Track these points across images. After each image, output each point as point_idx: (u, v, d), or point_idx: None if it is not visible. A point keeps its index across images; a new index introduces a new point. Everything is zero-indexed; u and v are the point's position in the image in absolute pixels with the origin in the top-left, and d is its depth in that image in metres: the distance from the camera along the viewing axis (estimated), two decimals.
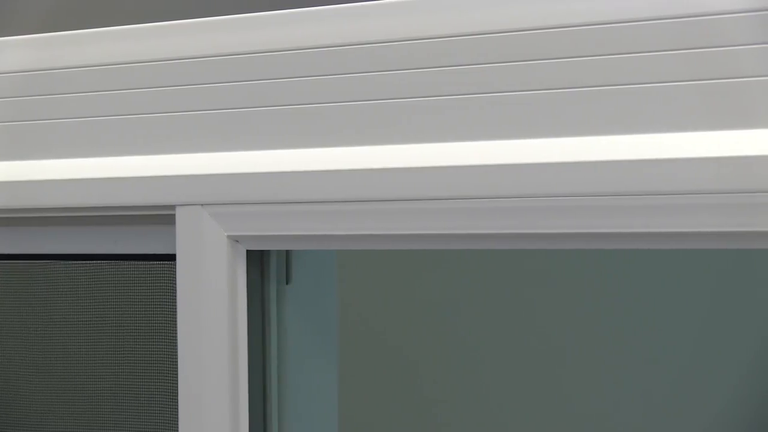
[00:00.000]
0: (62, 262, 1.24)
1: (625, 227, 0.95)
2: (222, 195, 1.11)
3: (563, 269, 2.19)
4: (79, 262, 1.24)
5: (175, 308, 1.15)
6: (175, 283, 1.15)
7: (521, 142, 0.99)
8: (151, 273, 1.20)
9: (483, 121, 1.01)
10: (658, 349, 2.18)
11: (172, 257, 1.16)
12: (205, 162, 1.12)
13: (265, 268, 1.18)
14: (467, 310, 2.24)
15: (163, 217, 1.15)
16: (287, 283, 1.20)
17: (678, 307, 2.18)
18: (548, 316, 2.20)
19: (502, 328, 2.23)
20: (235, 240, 1.12)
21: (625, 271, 2.18)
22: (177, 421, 1.16)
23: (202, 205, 1.12)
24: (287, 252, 1.20)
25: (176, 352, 1.15)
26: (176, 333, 1.15)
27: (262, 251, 1.17)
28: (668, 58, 0.93)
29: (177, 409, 1.16)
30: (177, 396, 1.15)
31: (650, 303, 2.18)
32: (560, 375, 2.20)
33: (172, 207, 1.14)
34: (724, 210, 0.91)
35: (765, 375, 2.20)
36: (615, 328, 2.19)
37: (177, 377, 1.15)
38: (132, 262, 1.21)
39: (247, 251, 1.13)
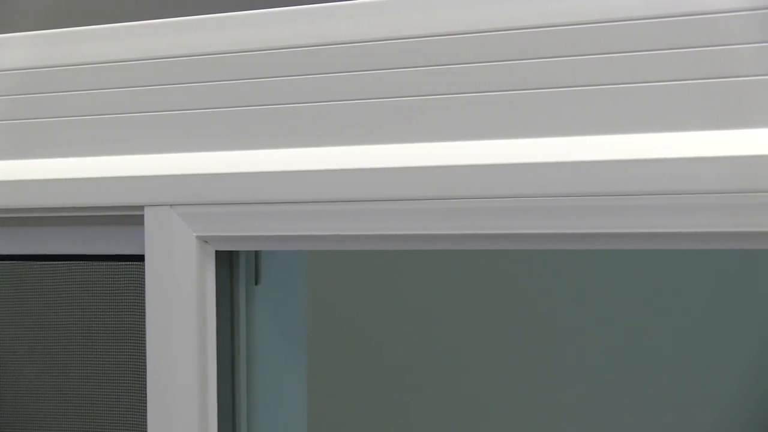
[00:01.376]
0: (31, 262, 1.24)
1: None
2: (191, 195, 1.11)
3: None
4: (48, 262, 1.23)
5: (144, 309, 1.15)
6: (144, 284, 1.14)
7: (504, 142, 0.99)
8: (119, 273, 1.20)
9: (456, 122, 1.01)
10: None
11: (140, 258, 1.16)
12: (174, 162, 1.12)
13: (234, 269, 1.18)
14: (439, 310, 2.25)
15: (131, 218, 1.15)
16: (256, 284, 1.20)
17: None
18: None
19: (477, 328, 2.23)
20: (204, 240, 1.12)
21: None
22: (146, 421, 1.16)
23: (170, 205, 1.12)
24: (256, 252, 1.20)
25: (145, 352, 1.15)
26: (145, 333, 1.15)
27: (231, 252, 1.17)
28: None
29: (146, 409, 1.15)
30: (146, 396, 1.15)
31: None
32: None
33: (141, 207, 1.14)
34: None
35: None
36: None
37: (146, 377, 1.15)
38: (101, 263, 1.20)
39: (216, 252, 1.13)
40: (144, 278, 1.15)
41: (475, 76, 1.00)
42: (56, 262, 1.23)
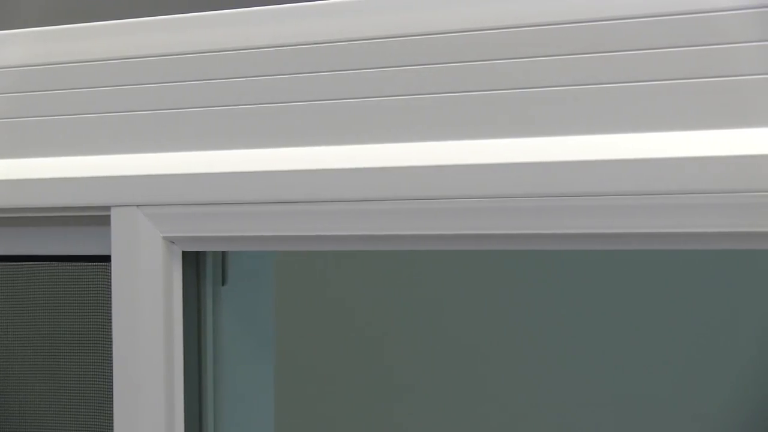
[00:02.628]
0: None
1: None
2: (157, 196, 1.11)
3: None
4: (14, 263, 1.23)
5: (111, 310, 1.15)
6: (111, 285, 1.14)
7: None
8: (86, 274, 1.19)
9: (429, 122, 1.02)
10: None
11: (107, 258, 1.16)
12: (140, 163, 1.12)
13: (200, 270, 1.18)
14: (408, 309, 2.25)
15: (98, 218, 1.15)
16: (223, 285, 1.20)
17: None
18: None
19: (447, 326, 2.23)
20: (170, 241, 1.12)
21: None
22: (112, 422, 1.16)
23: (137, 205, 1.12)
24: (223, 253, 1.20)
25: (111, 353, 1.15)
26: (111, 334, 1.14)
27: (197, 252, 1.17)
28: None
29: (112, 411, 1.15)
30: (112, 397, 1.15)
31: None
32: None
33: (108, 208, 1.13)
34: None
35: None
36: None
37: (112, 378, 1.14)
38: (67, 264, 1.20)
39: (183, 252, 1.13)
40: (110, 279, 1.14)
41: (448, 76, 1.00)
42: (22, 263, 1.22)
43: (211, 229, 1.09)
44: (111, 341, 1.15)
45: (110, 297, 1.14)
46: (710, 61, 0.91)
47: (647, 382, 2.18)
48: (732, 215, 0.91)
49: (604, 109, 0.95)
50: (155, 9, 1.15)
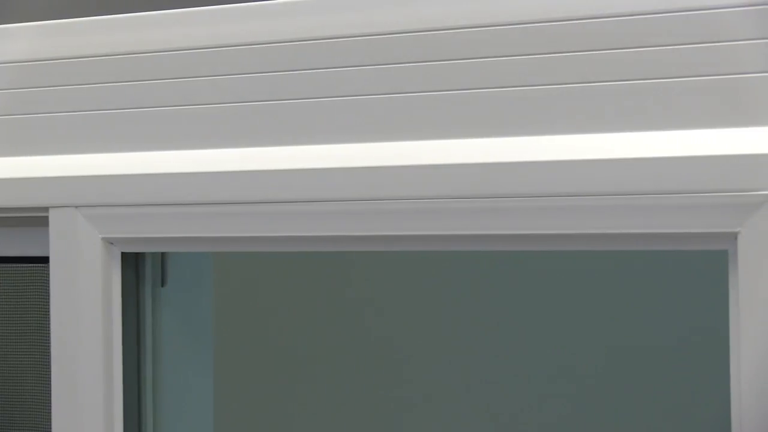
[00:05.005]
0: None
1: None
2: (96, 197, 1.10)
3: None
4: None
5: (49, 311, 1.14)
6: (49, 286, 1.14)
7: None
8: (24, 275, 1.19)
9: (368, 123, 1.02)
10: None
11: (45, 260, 1.15)
12: (79, 163, 1.11)
13: (140, 271, 1.18)
14: (347, 309, 2.25)
15: (36, 219, 1.14)
16: (162, 286, 1.20)
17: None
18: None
19: (384, 328, 2.24)
20: (109, 242, 1.12)
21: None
22: (51, 424, 1.15)
23: (76, 206, 1.11)
24: (162, 254, 1.20)
25: (50, 354, 1.14)
26: (50, 335, 1.14)
27: (137, 253, 1.16)
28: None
29: (50, 411, 1.15)
30: (50, 398, 1.14)
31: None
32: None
33: (46, 209, 1.13)
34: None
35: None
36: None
37: (50, 379, 1.14)
38: (5, 265, 1.19)
39: (122, 253, 1.13)
40: (48, 280, 1.14)
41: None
42: None
43: (150, 231, 1.09)
44: (50, 342, 1.14)
45: (49, 298, 1.14)
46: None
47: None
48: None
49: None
50: (92, 10, 1.15)
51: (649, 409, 2.17)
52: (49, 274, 1.14)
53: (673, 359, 2.14)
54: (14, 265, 1.19)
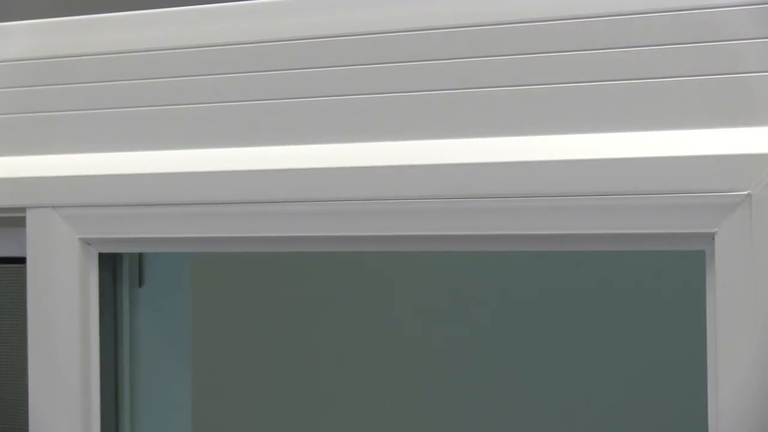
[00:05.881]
0: None
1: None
2: (73, 197, 1.10)
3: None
4: None
5: (26, 312, 1.14)
6: (26, 287, 1.13)
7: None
8: (0, 276, 1.18)
9: (340, 123, 1.02)
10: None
11: (22, 260, 1.15)
12: (56, 163, 1.11)
13: (117, 271, 1.17)
14: (324, 310, 2.25)
15: (13, 220, 1.14)
16: (140, 286, 1.20)
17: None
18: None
19: (361, 329, 2.24)
20: (87, 243, 1.12)
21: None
22: (28, 425, 1.15)
23: (53, 207, 1.11)
24: (140, 255, 1.20)
25: (27, 355, 1.14)
26: (27, 336, 1.13)
27: (114, 254, 1.16)
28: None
29: (27, 413, 1.14)
30: (27, 399, 1.14)
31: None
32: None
33: (23, 209, 1.13)
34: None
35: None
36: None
37: (27, 380, 1.14)
38: None
39: (100, 254, 1.13)
40: (25, 281, 1.13)
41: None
42: None
43: (127, 231, 1.09)
44: (27, 343, 1.14)
45: (26, 299, 1.14)
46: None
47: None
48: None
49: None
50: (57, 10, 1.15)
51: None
52: (26, 274, 1.13)
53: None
54: None
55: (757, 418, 0.89)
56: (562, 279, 2.17)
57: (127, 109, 1.09)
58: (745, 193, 0.89)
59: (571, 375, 2.18)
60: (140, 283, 1.20)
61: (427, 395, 2.23)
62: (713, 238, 0.91)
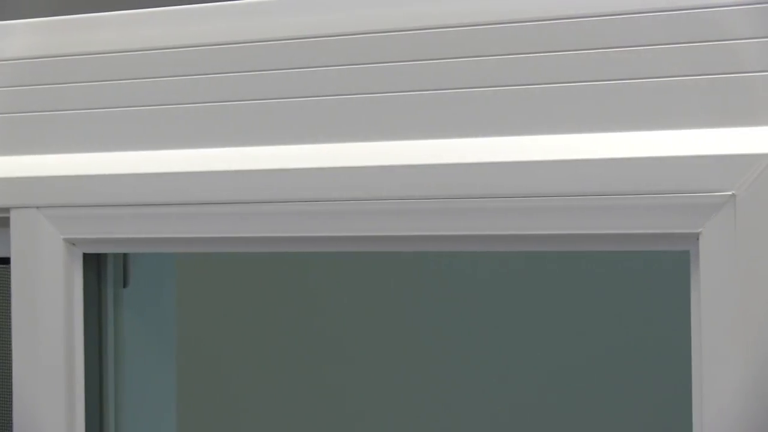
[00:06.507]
0: None
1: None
2: (58, 197, 1.10)
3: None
4: None
5: (10, 312, 1.13)
6: (10, 287, 1.13)
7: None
8: None
9: (329, 123, 1.02)
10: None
11: (6, 261, 1.15)
12: (41, 164, 1.11)
13: (102, 272, 1.17)
14: (311, 312, 2.25)
15: None
16: (125, 287, 1.20)
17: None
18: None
19: (349, 330, 2.24)
20: (71, 243, 1.11)
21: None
22: (12, 425, 1.14)
23: (37, 207, 1.11)
24: (125, 255, 1.19)
25: (11, 356, 1.13)
26: (11, 337, 1.13)
27: (99, 254, 1.16)
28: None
29: (11, 413, 1.14)
30: (11, 401, 1.14)
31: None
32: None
33: (7, 209, 1.12)
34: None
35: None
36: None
37: (12, 381, 1.13)
38: None
39: (84, 254, 1.12)
40: (9, 281, 1.13)
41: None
42: None
43: (112, 231, 1.09)
44: (11, 344, 1.14)
45: (10, 299, 1.13)
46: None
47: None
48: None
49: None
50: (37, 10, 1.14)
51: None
52: (10, 275, 1.13)
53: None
54: None
55: (741, 417, 0.89)
56: (555, 278, 2.18)
57: (114, 110, 1.09)
58: (730, 193, 0.89)
59: (570, 375, 2.18)
60: (125, 284, 1.20)
61: (426, 395, 2.23)
62: (698, 239, 0.91)
